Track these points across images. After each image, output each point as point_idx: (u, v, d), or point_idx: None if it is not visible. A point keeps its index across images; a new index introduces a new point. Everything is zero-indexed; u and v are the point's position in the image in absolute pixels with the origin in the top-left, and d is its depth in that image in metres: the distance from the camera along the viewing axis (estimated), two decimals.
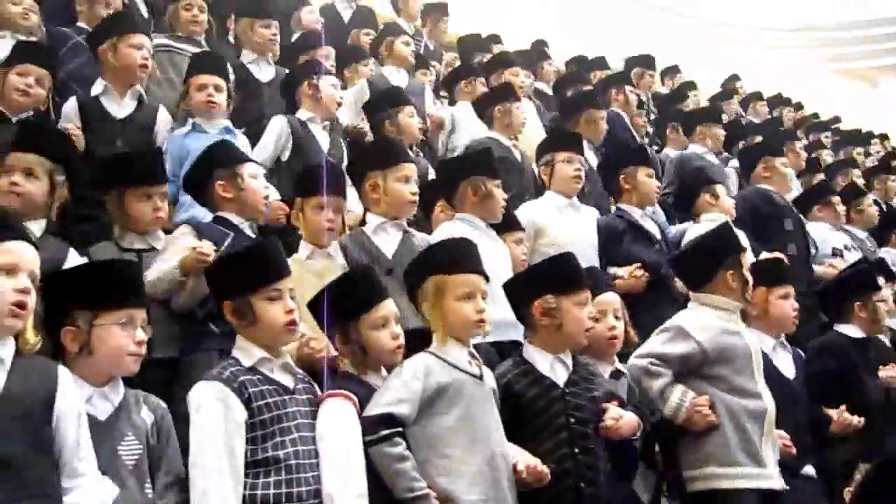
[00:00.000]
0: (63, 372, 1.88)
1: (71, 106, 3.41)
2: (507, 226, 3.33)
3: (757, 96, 8.33)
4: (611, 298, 2.95)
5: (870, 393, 3.39)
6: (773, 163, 4.70)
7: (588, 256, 3.46)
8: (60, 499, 1.81)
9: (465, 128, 4.72)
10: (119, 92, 3.47)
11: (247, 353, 2.16)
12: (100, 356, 1.97)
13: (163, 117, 3.57)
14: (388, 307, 2.37)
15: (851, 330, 3.59)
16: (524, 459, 2.34)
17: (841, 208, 5.08)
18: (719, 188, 4.26)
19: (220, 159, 2.89)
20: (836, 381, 3.38)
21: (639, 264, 3.57)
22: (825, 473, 3.21)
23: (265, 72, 4.31)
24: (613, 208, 4.04)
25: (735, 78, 8.68)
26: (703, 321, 2.86)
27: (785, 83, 10.06)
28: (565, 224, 3.65)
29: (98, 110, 3.41)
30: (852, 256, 4.78)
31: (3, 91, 3.30)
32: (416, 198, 3.09)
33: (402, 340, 2.36)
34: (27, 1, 3.89)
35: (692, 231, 3.98)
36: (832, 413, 3.27)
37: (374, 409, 2.22)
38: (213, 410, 2.03)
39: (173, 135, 3.49)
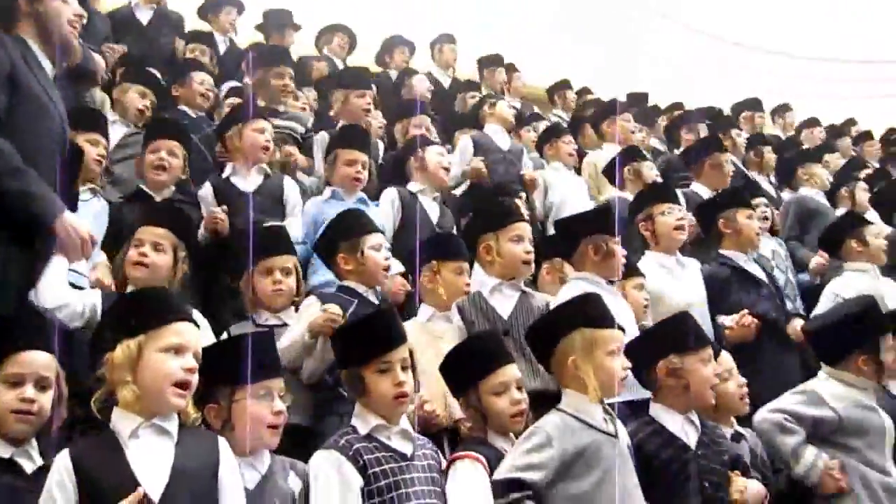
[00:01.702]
0: (223, 442, 1.97)
1: (206, 189, 3.66)
2: (626, 272, 3.28)
3: (868, 135, 7.94)
4: (728, 357, 2.92)
5: None
6: None
7: (703, 312, 3.42)
8: None
9: (557, 187, 4.82)
10: (246, 170, 3.72)
11: (363, 420, 2.20)
12: (240, 429, 2.06)
13: (289, 183, 3.80)
14: (510, 372, 2.39)
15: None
16: None
17: None
18: (870, 230, 4.10)
19: (345, 230, 2.99)
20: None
21: (745, 311, 3.45)
22: None
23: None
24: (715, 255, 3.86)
25: (851, 122, 8.31)
26: (838, 391, 2.82)
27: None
28: (677, 285, 3.56)
29: (230, 188, 3.66)
30: None
31: (144, 173, 3.58)
32: (531, 256, 3.10)
33: (523, 406, 2.38)
34: (151, 95, 4.25)
35: (835, 285, 3.88)
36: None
37: (504, 472, 2.22)
38: (330, 478, 2.07)
39: (314, 199, 3.75)
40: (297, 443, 2.43)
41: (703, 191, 4.54)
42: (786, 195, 5.46)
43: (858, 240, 4.05)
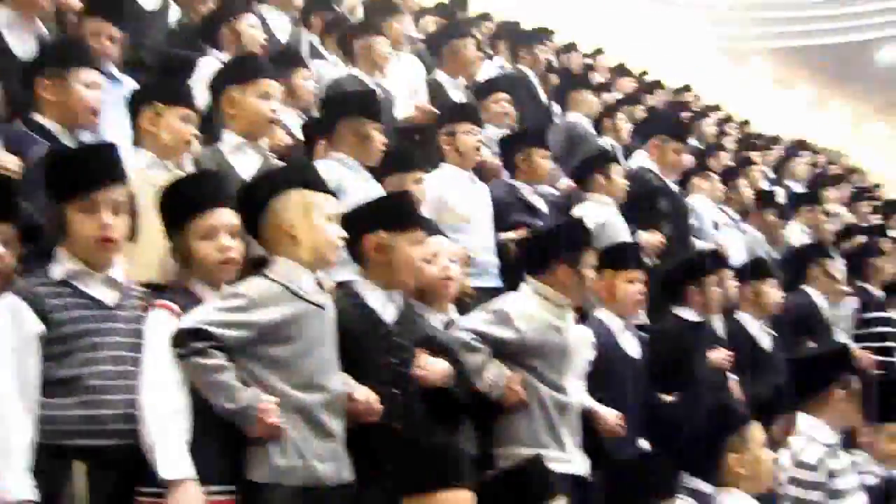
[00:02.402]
0: None
1: None
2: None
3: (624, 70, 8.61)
4: (447, 243, 2.96)
5: (701, 374, 3.57)
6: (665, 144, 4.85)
7: (488, 228, 3.79)
8: None
9: None
10: None
11: (60, 265, 2.04)
12: None
13: None
14: (221, 217, 2.22)
15: (688, 313, 3.77)
16: (363, 391, 2.30)
17: (720, 185, 5.41)
18: (615, 169, 4.36)
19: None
20: (672, 365, 3.51)
21: (525, 229, 3.74)
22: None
23: None
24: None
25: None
26: (530, 310, 2.90)
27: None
28: (466, 198, 3.79)
29: None
30: (729, 232, 5.03)
31: None
32: (277, 115, 2.95)
33: (232, 255, 2.22)
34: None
35: (575, 212, 4.09)
36: (666, 398, 3.40)
37: (189, 321, 2.08)
38: (4, 323, 1.93)
39: None
40: None
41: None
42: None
43: (605, 175, 4.28)
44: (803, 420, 3.00)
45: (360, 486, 2.26)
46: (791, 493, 2.75)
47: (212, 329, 2.06)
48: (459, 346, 2.77)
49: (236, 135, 2.87)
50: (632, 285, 3.37)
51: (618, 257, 3.42)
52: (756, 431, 2.69)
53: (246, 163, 2.83)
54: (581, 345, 3.03)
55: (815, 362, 3.21)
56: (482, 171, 4.15)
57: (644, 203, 4.51)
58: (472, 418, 2.80)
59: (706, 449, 2.50)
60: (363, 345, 2.42)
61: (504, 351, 2.84)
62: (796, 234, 6.07)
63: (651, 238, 4.25)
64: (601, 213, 4.08)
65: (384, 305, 2.50)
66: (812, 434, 2.94)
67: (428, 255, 2.72)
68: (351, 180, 3.11)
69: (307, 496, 2.12)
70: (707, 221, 5.20)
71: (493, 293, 3.36)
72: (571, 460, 2.83)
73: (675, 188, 4.98)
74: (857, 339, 5.13)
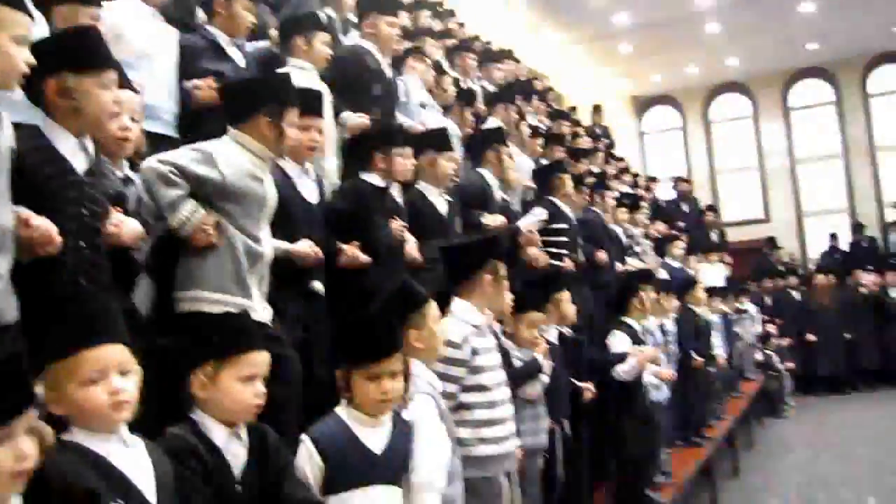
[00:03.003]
0: None
1: None
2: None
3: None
4: (129, 96, 2.85)
5: (380, 236, 3.82)
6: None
7: (170, 69, 3.61)
8: None
9: None
10: None
11: None
12: None
13: None
14: None
15: (373, 178, 3.96)
16: (40, 220, 2.15)
17: (432, 70, 5.78)
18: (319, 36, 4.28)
19: None
20: (352, 220, 3.76)
21: (212, 78, 3.62)
22: None
23: None
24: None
25: None
26: (234, 157, 2.87)
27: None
28: (142, 31, 3.54)
29: None
30: (433, 115, 5.41)
31: None
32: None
33: None
34: None
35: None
36: (344, 248, 3.61)
37: None
38: None
39: None
40: None
41: None
42: None
43: (307, 41, 4.24)
44: (455, 302, 3.19)
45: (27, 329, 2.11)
46: (437, 369, 2.92)
47: None
48: (156, 178, 2.72)
49: None
50: (307, 132, 3.44)
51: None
52: (432, 309, 2.82)
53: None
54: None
55: (466, 249, 3.39)
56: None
57: (357, 85, 4.62)
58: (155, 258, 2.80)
59: (388, 324, 2.56)
60: (48, 191, 2.27)
61: (203, 191, 2.80)
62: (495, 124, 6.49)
63: (357, 120, 4.39)
64: (300, 77, 3.97)
65: (74, 153, 2.36)
66: (461, 315, 3.13)
67: (113, 106, 2.54)
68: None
69: None
70: (415, 101, 5.40)
71: (164, 141, 3.19)
72: (255, 309, 2.85)
73: (388, 70, 5.04)
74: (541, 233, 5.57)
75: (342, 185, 4.03)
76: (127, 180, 2.85)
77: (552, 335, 4.33)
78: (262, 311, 2.90)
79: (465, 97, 6.27)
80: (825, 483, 7.13)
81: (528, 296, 3.86)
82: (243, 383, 2.13)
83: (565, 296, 4.49)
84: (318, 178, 3.65)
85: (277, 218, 3.09)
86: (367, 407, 2.42)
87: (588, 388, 4.62)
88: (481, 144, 5.45)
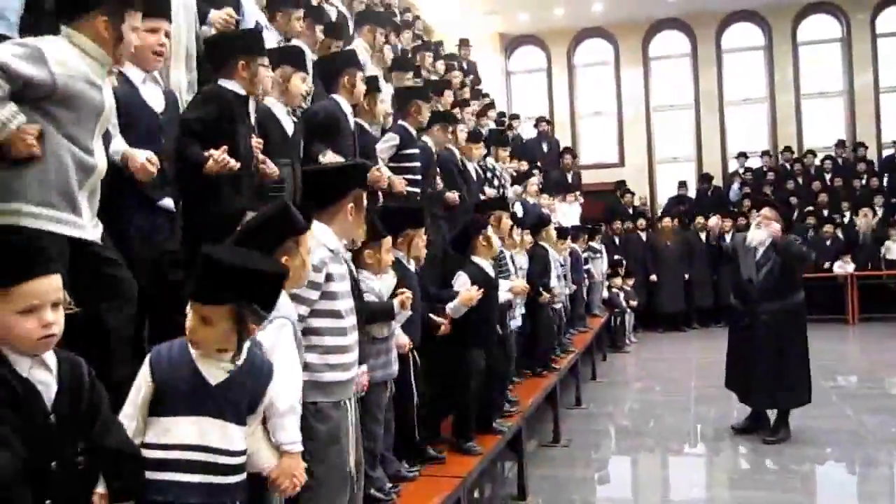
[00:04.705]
0: None
1: None
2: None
3: None
4: None
5: (241, 150, 3.67)
6: None
7: None
8: None
9: None
10: None
11: None
12: None
13: None
14: None
15: (234, 85, 3.78)
16: None
17: None
18: None
19: None
20: (216, 127, 3.59)
21: None
22: None
23: None
24: None
25: None
26: (68, 58, 2.62)
27: None
28: None
29: None
30: None
31: None
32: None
33: None
34: None
35: None
36: (213, 153, 3.41)
37: None
38: None
39: None
40: None
41: None
42: None
43: None
44: (315, 225, 3.13)
45: None
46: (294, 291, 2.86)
47: None
48: None
49: None
50: (152, 35, 3.28)
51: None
52: (308, 238, 2.75)
53: None
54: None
55: (330, 174, 3.33)
56: None
57: None
58: None
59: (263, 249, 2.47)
60: None
61: (29, 94, 2.52)
62: (360, 47, 6.38)
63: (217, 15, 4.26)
64: None
65: None
66: (320, 238, 3.08)
67: None
68: None
69: None
70: (251, 22, 5.05)
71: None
72: (84, 226, 2.66)
73: None
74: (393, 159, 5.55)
75: (201, 90, 3.78)
76: None
77: (412, 265, 4.34)
78: (91, 229, 2.72)
79: (314, 14, 5.94)
80: (654, 410, 7.72)
81: (387, 225, 3.83)
82: (23, 315, 1.91)
83: (420, 233, 4.45)
84: (166, 87, 3.42)
85: (119, 127, 2.90)
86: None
87: (443, 322, 4.65)
88: (334, 68, 5.14)
